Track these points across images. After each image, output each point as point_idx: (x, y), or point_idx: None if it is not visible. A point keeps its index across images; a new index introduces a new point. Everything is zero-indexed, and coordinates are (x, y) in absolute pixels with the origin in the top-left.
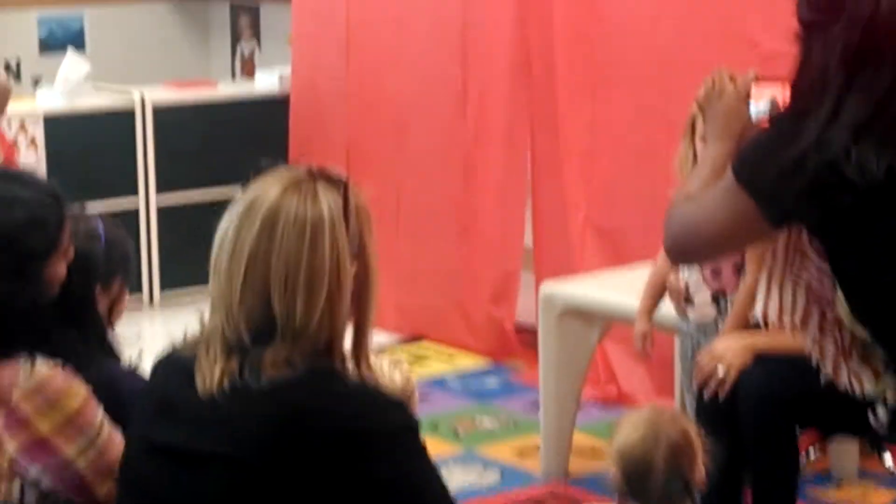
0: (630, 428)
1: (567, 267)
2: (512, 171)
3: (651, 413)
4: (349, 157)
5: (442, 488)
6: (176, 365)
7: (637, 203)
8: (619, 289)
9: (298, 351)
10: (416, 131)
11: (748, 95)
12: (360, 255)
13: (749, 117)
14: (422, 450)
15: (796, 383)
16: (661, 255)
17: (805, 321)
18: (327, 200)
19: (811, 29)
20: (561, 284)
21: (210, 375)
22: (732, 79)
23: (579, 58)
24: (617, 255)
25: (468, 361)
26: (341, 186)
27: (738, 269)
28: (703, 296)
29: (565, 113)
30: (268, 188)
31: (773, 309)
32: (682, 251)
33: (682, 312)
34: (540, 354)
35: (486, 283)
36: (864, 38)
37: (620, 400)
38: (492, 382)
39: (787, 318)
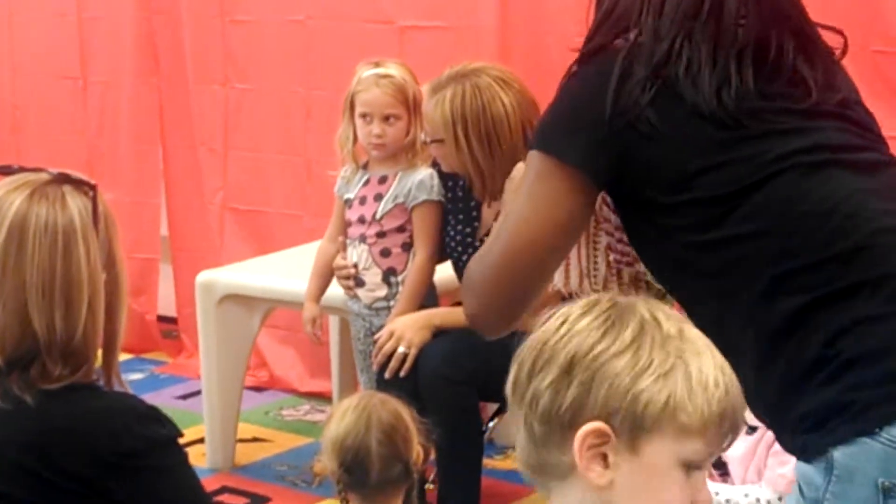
0: (339, 417)
1: (206, 255)
2: (143, 161)
3: (360, 399)
4: None
5: (206, 498)
6: None
7: (278, 189)
8: (280, 273)
9: (63, 366)
10: (33, 128)
11: None
12: (110, 263)
13: None
14: (185, 460)
15: (477, 357)
16: (326, 237)
17: (605, 287)
18: (77, 206)
19: None
20: (219, 271)
21: None
22: None
23: (208, 49)
24: (259, 241)
25: None
26: (89, 191)
27: (407, 247)
28: (372, 276)
29: (198, 102)
30: (10, 194)
31: (574, 277)
32: (501, 287)
33: (352, 294)
34: (200, 344)
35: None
36: None
37: (273, 384)
38: (137, 377)
39: (587, 284)
